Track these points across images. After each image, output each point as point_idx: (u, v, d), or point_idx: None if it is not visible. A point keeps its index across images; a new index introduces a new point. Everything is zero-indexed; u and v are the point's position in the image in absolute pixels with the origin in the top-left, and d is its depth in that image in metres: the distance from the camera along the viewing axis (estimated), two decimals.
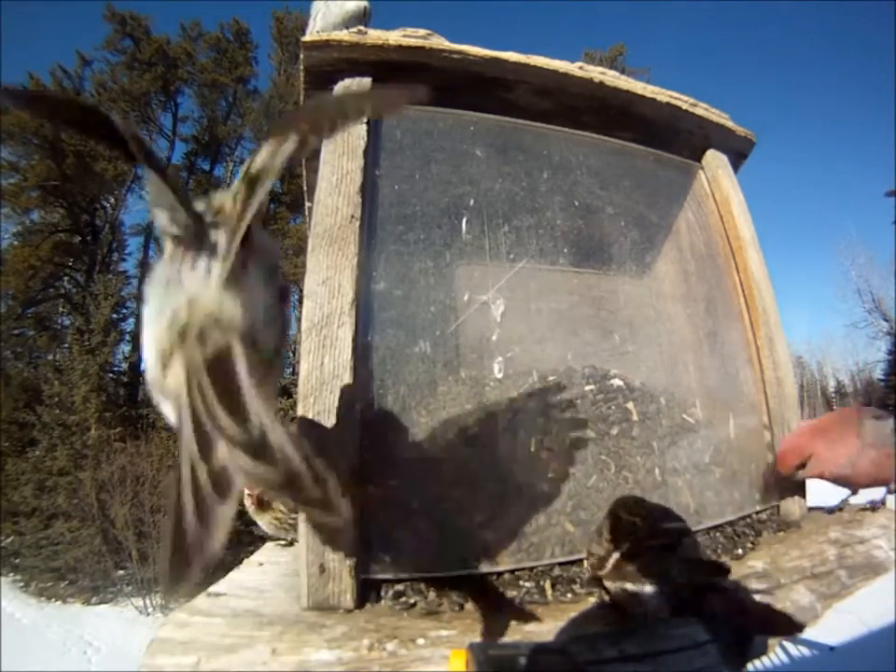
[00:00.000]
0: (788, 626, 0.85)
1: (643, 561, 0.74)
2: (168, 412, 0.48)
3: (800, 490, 1.32)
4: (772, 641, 0.86)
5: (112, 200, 17.39)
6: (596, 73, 1.37)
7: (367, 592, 0.93)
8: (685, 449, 1.25)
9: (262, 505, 1.38)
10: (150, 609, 10.23)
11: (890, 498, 1.28)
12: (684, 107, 1.46)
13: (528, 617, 0.85)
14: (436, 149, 1.30)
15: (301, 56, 1.21)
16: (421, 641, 0.78)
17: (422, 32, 1.23)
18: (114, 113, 0.48)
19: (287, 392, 14.66)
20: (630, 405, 1.23)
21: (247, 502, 1.42)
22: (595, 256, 1.42)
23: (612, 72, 1.41)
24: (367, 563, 0.95)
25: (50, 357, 14.54)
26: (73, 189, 15.07)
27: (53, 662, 8.10)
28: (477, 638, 0.78)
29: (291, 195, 18.54)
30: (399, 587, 0.96)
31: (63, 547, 10.60)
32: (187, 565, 0.37)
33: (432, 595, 0.94)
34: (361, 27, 1.21)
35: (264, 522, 1.38)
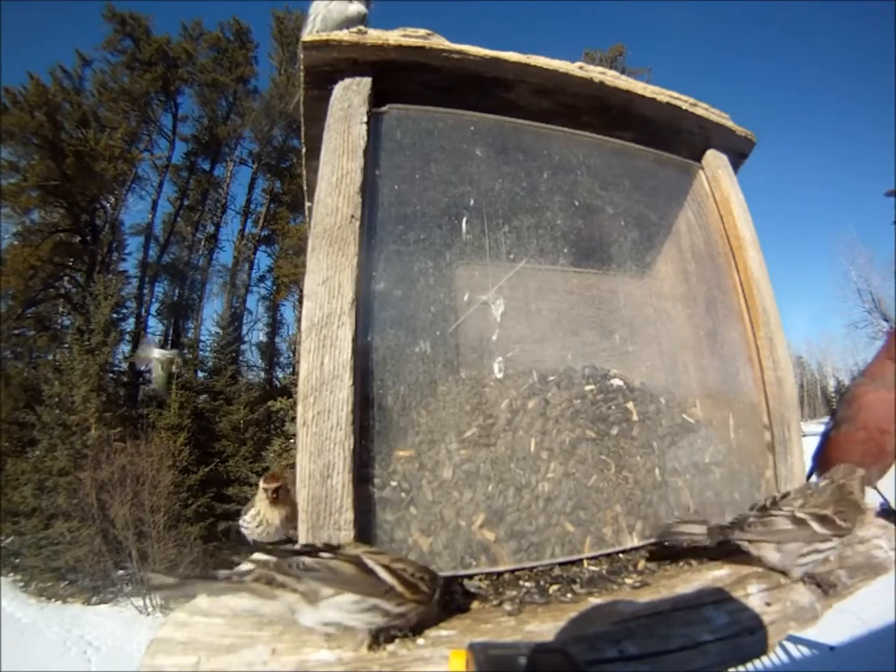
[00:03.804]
0: None
1: None
2: None
3: None
4: (772, 641, 0.86)
5: (112, 200, 17.35)
6: (596, 73, 1.37)
7: None
8: (685, 449, 1.25)
9: (277, 501, 1.41)
10: (150, 609, 10.23)
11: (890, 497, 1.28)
12: (684, 107, 1.46)
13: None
14: (436, 149, 1.30)
15: (301, 56, 1.21)
16: (421, 641, 0.78)
17: (422, 32, 1.23)
18: None
19: (287, 392, 14.67)
20: (630, 405, 1.23)
21: (263, 495, 1.43)
22: (594, 256, 1.42)
23: (612, 72, 1.41)
24: None
25: (50, 357, 14.52)
26: (73, 189, 15.03)
27: (53, 662, 8.10)
28: (477, 638, 0.78)
29: (291, 195, 18.54)
30: None
31: (62, 547, 10.60)
32: None
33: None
34: (361, 27, 1.21)
35: (276, 516, 1.40)
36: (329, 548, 0.78)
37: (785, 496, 1.03)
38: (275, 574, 0.72)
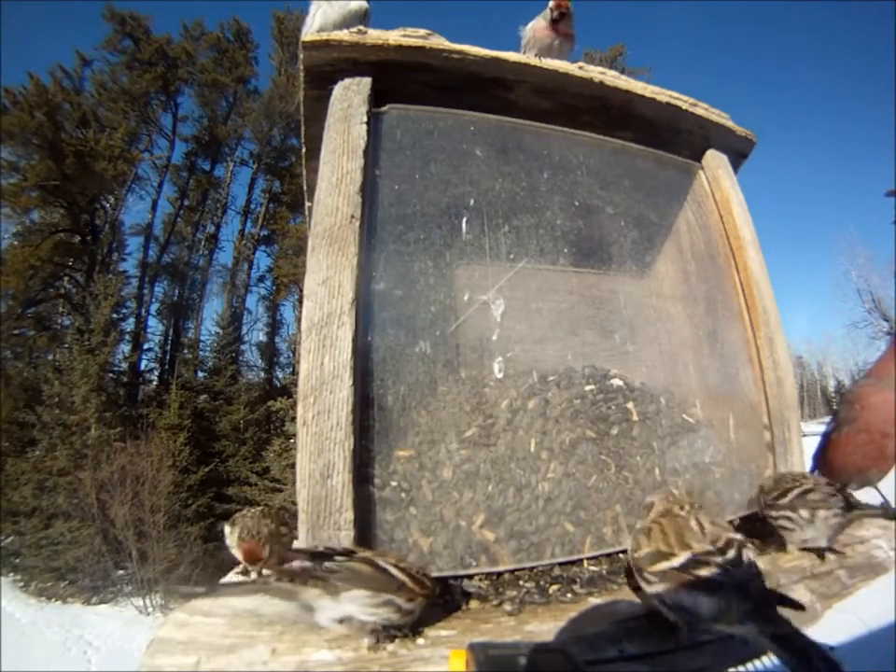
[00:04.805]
0: None
1: None
2: None
3: None
4: None
5: (112, 200, 17.34)
6: (596, 73, 1.37)
7: None
8: (685, 449, 1.25)
9: (255, 561, 1.17)
10: (150, 609, 10.23)
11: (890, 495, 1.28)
12: (684, 107, 1.46)
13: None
14: (436, 149, 1.30)
15: (301, 56, 1.21)
16: (421, 641, 0.78)
17: (422, 31, 1.23)
18: None
19: (287, 392, 14.67)
20: (630, 405, 1.23)
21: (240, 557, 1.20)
22: (594, 256, 1.42)
23: (612, 72, 1.41)
24: None
25: (50, 357, 14.53)
26: (73, 189, 15.02)
27: (53, 662, 8.10)
28: (477, 638, 0.78)
29: (291, 195, 18.54)
30: None
31: (62, 547, 10.60)
32: None
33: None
34: (361, 27, 1.21)
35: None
36: (347, 552, 0.83)
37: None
38: (305, 575, 0.76)
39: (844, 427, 1.26)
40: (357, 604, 0.76)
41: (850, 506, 0.99)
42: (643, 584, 0.79)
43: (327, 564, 0.78)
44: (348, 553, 0.82)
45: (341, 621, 0.76)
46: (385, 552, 0.90)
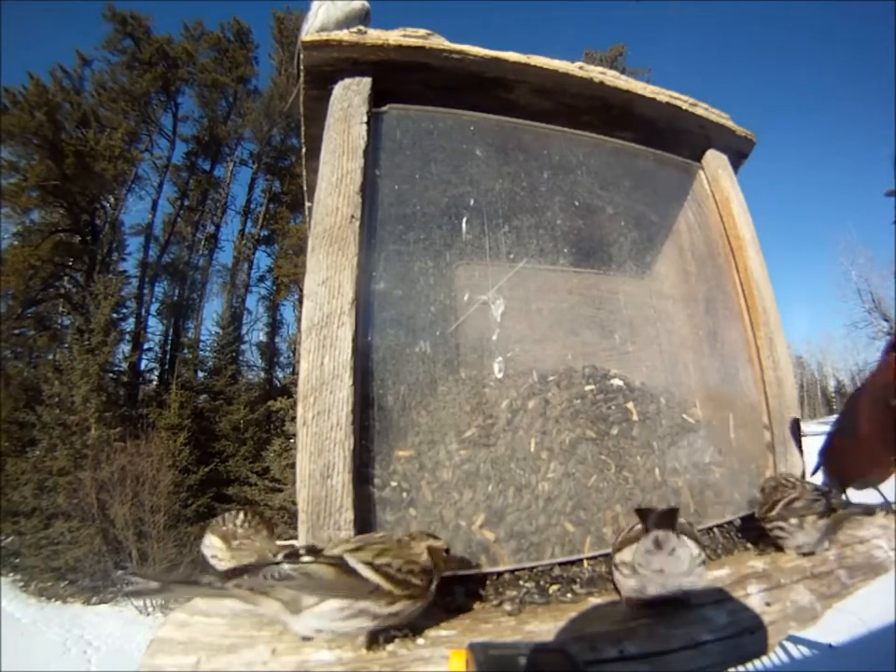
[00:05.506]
0: None
1: None
2: None
3: None
4: (772, 641, 0.85)
5: (112, 200, 17.32)
6: (596, 73, 1.37)
7: None
8: (685, 449, 1.25)
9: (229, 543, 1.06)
10: (150, 609, 10.22)
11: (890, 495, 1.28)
12: (684, 107, 1.46)
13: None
14: (436, 149, 1.30)
15: (301, 56, 1.22)
16: (421, 641, 0.78)
17: (422, 31, 1.23)
18: None
19: (287, 392, 14.67)
20: (630, 405, 1.23)
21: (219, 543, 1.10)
22: (594, 256, 1.42)
23: (612, 72, 1.41)
24: None
25: (50, 357, 14.51)
26: (73, 189, 15.01)
27: (53, 662, 8.10)
28: (477, 638, 0.78)
29: (291, 195, 18.53)
30: None
31: (62, 547, 10.59)
32: None
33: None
34: (361, 27, 1.21)
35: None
36: (312, 551, 0.75)
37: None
38: (252, 585, 0.69)
39: (848, 430, 1.27)
40: (324, 619, 0.68)
41: (832, 508, 1.03)
42: (615, 573, 0.85)
43: (281, 569, 0.68)
44: (317, 552, 0.73)
45: (317, 631, 0.71)
46: (363, 545, 0.78)
